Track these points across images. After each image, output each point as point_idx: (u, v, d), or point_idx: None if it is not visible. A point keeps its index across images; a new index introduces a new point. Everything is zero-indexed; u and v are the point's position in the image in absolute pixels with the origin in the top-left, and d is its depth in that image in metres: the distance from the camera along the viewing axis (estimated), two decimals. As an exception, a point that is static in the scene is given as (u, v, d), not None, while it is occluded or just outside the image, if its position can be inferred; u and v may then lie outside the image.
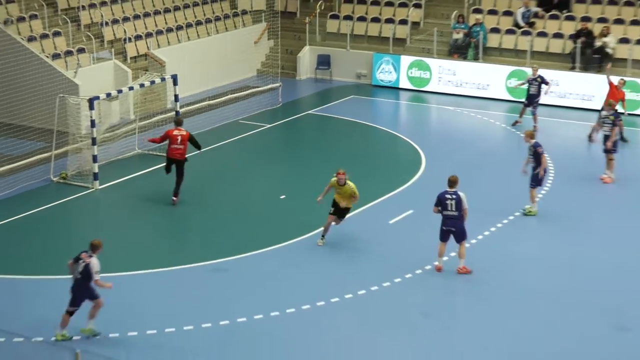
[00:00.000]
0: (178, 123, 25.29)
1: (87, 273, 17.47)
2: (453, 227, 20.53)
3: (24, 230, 23.69)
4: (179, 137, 24.70)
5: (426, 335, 18.47)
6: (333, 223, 22.12)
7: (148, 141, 26.68)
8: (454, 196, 20.47)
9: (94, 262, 17.55)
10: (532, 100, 31.04)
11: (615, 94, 28.93)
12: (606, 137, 26.28)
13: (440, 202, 20.61)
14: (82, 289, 17.61)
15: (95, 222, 25.34)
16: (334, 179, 21.79)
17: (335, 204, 21.94)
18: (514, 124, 31.73)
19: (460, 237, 20.62)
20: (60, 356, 16.23)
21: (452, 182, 20.67)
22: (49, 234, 23.75)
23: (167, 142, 24.95)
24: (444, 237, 20.72)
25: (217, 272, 20.97)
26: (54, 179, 26.54)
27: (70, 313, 17.59)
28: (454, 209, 20.48)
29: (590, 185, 26.12)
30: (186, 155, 24.89)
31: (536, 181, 23.95)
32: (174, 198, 24.80)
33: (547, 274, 20.85)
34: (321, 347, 17.96)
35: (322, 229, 22.23)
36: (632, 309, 19.20)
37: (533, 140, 23.89)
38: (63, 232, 24.38)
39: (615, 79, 29.47)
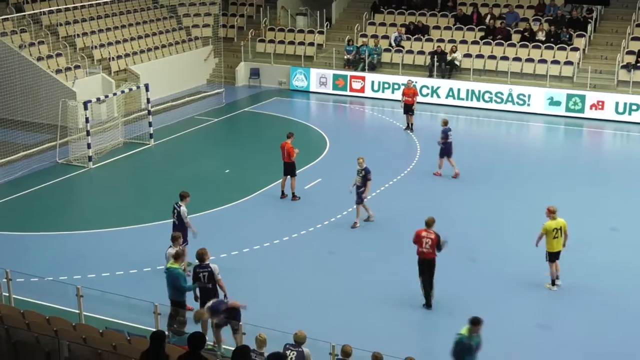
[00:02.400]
0: None
1: (180, 218, 17.50)
2: None
3: (38, 199, 23.10)
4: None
5: (330, 266, 18.47)
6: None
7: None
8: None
9: (183, 210, 17.45)
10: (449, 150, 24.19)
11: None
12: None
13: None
14: (180, 229, 17.34)
15: (90, 191, 24.87)
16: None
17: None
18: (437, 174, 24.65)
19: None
20: (65, 290, 15.80)
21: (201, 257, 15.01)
22: (58, 200, 23.27)
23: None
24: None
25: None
26: (59, 161, 25.94)
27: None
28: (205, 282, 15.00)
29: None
30: None
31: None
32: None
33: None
34: (261, 277, 17.84)
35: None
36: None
37: (365, 165, 20.25)
38: (68, 198, 23.89)
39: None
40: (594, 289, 17.27)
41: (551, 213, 16.90)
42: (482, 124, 31.15)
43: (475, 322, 12.45)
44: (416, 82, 31.79)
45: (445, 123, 24.17)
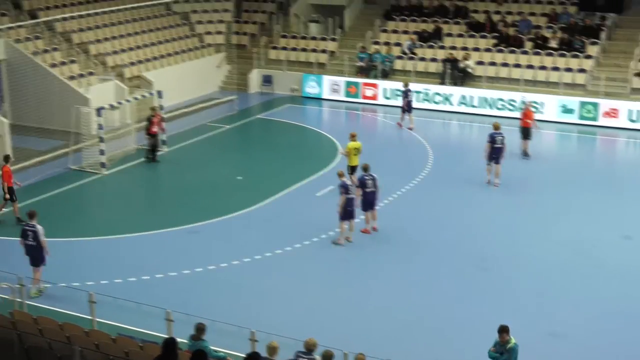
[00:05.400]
0: None
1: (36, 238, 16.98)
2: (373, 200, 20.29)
3: (52, 205, 23.12)
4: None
5: (342, 274, 18.42)
6: None
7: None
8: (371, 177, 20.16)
9: (40, 229, 16.99)
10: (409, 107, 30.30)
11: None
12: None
13: (362, 183, 20.24)
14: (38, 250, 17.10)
15: (103, 198, 24.86)
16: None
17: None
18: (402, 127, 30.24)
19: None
20: (78, 296, 15.86)
21: (365, 168, 20.35)
22: (71, 206, 23.35)
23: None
24: (366, 208, 20.48)
25: (192, 233, 20.71)
26: (72, 168, 26.02)
27: None
28: (372, 187, 20.16)
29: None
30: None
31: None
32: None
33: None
34: (273, 284, 17.86)
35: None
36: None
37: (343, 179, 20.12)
38: (81, 204, 24.00)
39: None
40: (606, 296, 17.21)
41: (352, 137, 22.87)
42: (495, 132, 31.05)
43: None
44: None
45: (405, 84, 30.38)
